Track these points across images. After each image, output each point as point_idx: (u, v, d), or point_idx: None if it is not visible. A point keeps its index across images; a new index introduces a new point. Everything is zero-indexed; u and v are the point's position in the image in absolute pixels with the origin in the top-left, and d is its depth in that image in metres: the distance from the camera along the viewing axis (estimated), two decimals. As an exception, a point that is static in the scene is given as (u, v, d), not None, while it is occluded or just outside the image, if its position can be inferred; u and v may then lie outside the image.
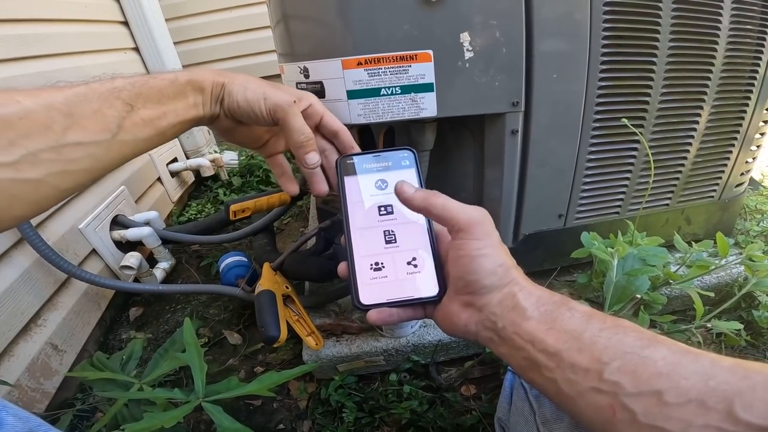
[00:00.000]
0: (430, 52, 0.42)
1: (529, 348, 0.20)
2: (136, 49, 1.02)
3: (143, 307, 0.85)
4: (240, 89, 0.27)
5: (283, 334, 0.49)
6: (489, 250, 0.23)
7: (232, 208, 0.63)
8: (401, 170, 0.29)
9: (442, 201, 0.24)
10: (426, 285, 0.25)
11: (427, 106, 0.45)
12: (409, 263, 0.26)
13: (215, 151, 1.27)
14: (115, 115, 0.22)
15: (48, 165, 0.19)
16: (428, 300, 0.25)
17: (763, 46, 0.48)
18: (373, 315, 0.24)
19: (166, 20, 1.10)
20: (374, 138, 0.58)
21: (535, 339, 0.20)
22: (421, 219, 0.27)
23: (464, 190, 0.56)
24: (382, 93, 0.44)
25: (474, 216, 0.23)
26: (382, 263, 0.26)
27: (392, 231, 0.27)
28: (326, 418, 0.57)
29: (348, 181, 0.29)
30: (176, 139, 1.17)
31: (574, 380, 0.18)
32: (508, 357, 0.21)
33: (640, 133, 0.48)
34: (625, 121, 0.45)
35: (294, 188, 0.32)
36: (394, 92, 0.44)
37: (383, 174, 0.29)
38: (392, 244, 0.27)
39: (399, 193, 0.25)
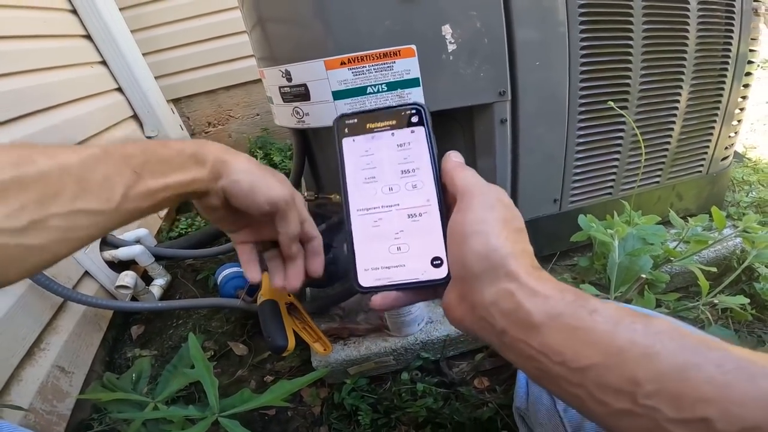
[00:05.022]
0: (414, 47, 0.42)
1: (544, 360, 0.16)
2: (104, 63, 0.98)
3: (144, 325, 0.83)
4: (244, 174, 0.26)
5: (291, 342, 0.49)
6: (484, 227, 0.18)
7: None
8: (406, 129, 0.25)
9: (452, 165, 0.21)
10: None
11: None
12: (413, 247, 0.22)
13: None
14: (122, 184, 0.21)
15: (53, 232, 0.19)
16: (434, 283, 0.21)
17: (732, 24, 0.49)
18: (377, 300, 0.22)
19: (132, 31, 1.06)
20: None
21: (550, 351, 0.16)
22: (430, 190, 0.23)
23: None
24: (368, 91, 0.43)
25: (474, 184, 0.20)
26: (384, 247, 0.23)
27: (398, 205, 0.23)
28: (342, 422, 0.57)
29: (348, 145, 0.25)
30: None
31: (603, 400, 0.15)
32: (517, 364, 0.18)
33: (626, 114, 0.49)
34: (612, 103, 0.45)
35: (257, 275, 0.30)
36: (380, 90, 0.43)
37: (387, 136, 0.25)
38: (397, 219, 0.23)
39: (445, 164, 0.22)
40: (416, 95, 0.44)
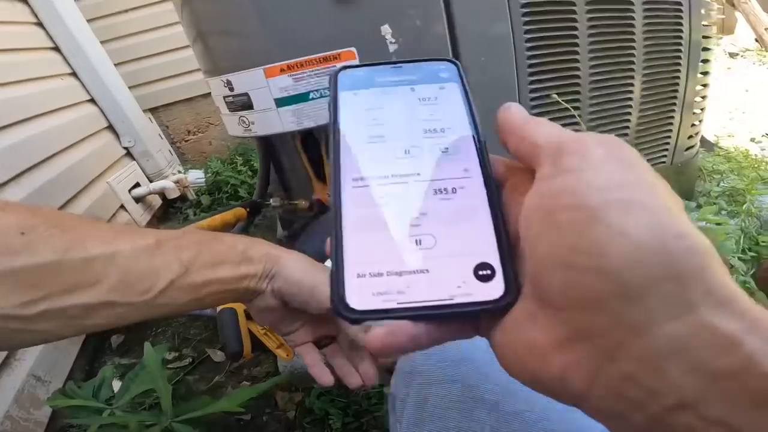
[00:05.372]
0: (353, 49, 0.41)
1: None
2: (74, 74, 0.98)
3: (124, 334, 0.84)
4: (302, 274, 0.24)
5: (246, 348, 0.49)
6: (633, 194, 0.10)
7: (186, 230, 0.62)
8: (433, 85, 0.17)
9: (519, 117, 0.13)
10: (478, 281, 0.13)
11: (360, 105, 0.44)
12: (442, 240, 0.14)
13: (179, 172, 1.24)
14: (167, 278, 0.20)
15: (65, 320, 0.18)
16: (479, 309, 0.13)
17: (680, 13, 0.48)
18: (378, 339, 0.12)
19: (103, 42, 1.06)
20: (319, 145, 0.57)
21: None
22: (470, 156, 0.15)
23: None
24: (311, 97, 0.43)
25: (572, 134, 0.12)
26: (393, 240, 0.14)
27: (419, 174, 0.15)
28: (315, 427, 0.57)
29: (347, 98, 0.17)
30: (136, 162, 1.14)
31: None
32: None
33: (578, 107, 0.48)
34: (556, 96, 0.45)
35: (331, 378, 0.28)
36: (323, 94, 0.43)
37: (405, 92, 0.17)
38: (417, 196, 0.15)
39: (499, 120, 0.14)
40: (361, 98, 0.44)
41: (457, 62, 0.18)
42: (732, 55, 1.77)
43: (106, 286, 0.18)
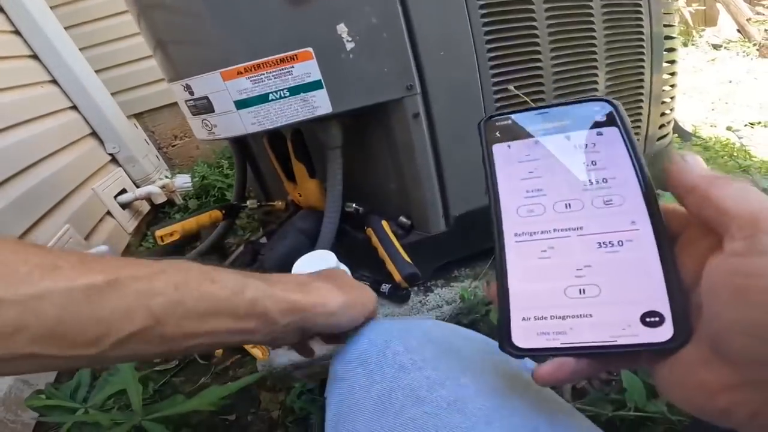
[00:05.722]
0: (310, 49, 0.41)
1: None
2: (54, 82, 0.98)
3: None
4: (334, 317, 0.21)
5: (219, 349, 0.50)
6: None
7: (158, 233, 0.62)
8: (593, 131, 0.16)
9: (704, 177, 0.13)
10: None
11: (321, 104, 0.44)
12: (606, 290, 0.15)
13: (166, 176, 1.24)
14: (123, 330, 0.15)
15: None
16: (648, 348, 0.14)
17: (639, 5, 0.48)
18: (546, 372, 0.14)
19: (83, 49, 1.06)
20: (286, 145, 0.57)
21: None
22: (637, 209, 0.15)
23: (391, 183, 0.55)
24: (270, 98, 0.43)
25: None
26: (557, 289, 0.15)
27: (581, 228, 0.16)
28: (297, 426, 0.58)
29: (500, 150, 0.17)
30: (122, 168, 1.14)
31: None
32: None
33: (543, 98, 0.48)
34: (512, 87, 0.45)
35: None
36: (282, 95, 0.43)
37: (559, 141, 0.17)
38: (581, 249, 0.15)
39: (675, 175, 0.14)
40: (321, 97, 0.43)
41: (615, 102, 0.17)
42: (715, 46, 1.76)
43: (26, 336, 0.14)
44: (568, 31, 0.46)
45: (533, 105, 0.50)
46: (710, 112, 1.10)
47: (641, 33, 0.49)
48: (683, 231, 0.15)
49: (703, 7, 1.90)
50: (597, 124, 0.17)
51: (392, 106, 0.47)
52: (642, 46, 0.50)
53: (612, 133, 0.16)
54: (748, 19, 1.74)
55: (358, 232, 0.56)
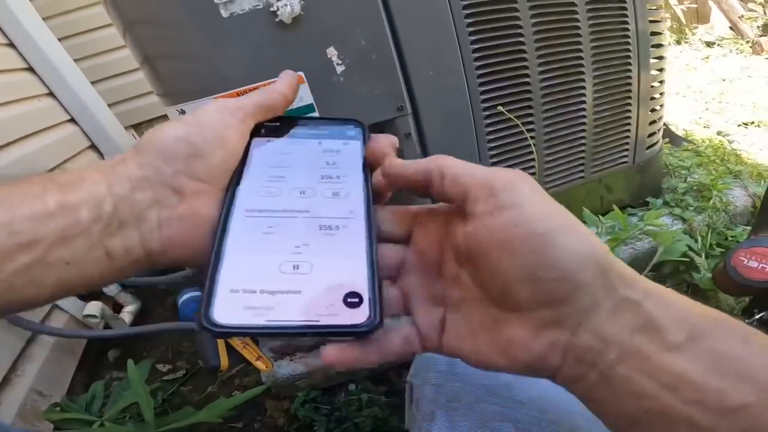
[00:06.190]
0: (302, 73, 0.42)
1: (666, 398, 0.12)
2: (51, 95, 0.98)
3: (121, 349, 0.88)
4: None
5: (224, 362, 0.52)
6: (565, 220, 0.13)
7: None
8: (341, 141, 0.20)
9: (446, 161, 0.16)
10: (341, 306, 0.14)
11: (313, 127, 0.44)
12: (318, 268, 0.15)
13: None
14: None
15: None
16: (344, 332, 0.14)
17: (625, 9, 0.48)
18: (332, 353, 0.14)
19: (78, 60, 1.06)
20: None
21: (684, 385, 0.12)
22: (357, 202, 0.17)
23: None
24: (264, 122, 0.43)
25: (497, 171, 0.15)
26: (271, 263, 0.15)
27: (308, 212, 0.17)
28: None
29: (259, 143, 0.19)
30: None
31: None
32: (607, 405, 0.13)
33: (531, 113, 0.49)
34: (501, 108, 0.45)
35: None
36: (275, 119, 0.44)
37: (312, 143, 0.20)
38: (303, 229, 0.16)
39: (387, 168, 0.17)
40: (313, 120, 0.44)
41: (365, 125, 0.21)
42: (708, 44, 1.74)
43: None
44: (554, 37, 0.46)
45: (519, 125, 0.50)
46: (704, 111, 1.10)
47: (627, 30, 0.49)
48: (417, 224, 0.18)
49: (695, 5, 1.87)
50: (346, 137, 0.21)
51: (384, 126, 0.48)
52: (628, 44, 0.50)
53: (354, 145, 0.20)
54: (741, 16, 1.72)
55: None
